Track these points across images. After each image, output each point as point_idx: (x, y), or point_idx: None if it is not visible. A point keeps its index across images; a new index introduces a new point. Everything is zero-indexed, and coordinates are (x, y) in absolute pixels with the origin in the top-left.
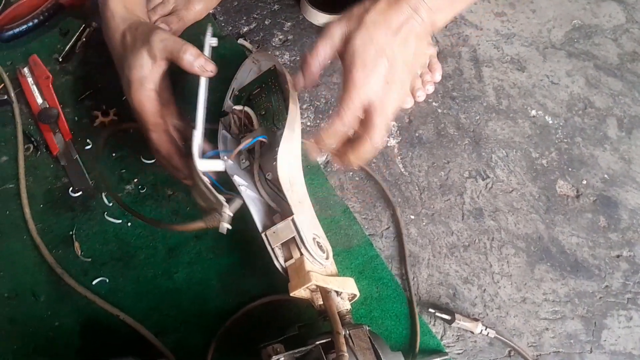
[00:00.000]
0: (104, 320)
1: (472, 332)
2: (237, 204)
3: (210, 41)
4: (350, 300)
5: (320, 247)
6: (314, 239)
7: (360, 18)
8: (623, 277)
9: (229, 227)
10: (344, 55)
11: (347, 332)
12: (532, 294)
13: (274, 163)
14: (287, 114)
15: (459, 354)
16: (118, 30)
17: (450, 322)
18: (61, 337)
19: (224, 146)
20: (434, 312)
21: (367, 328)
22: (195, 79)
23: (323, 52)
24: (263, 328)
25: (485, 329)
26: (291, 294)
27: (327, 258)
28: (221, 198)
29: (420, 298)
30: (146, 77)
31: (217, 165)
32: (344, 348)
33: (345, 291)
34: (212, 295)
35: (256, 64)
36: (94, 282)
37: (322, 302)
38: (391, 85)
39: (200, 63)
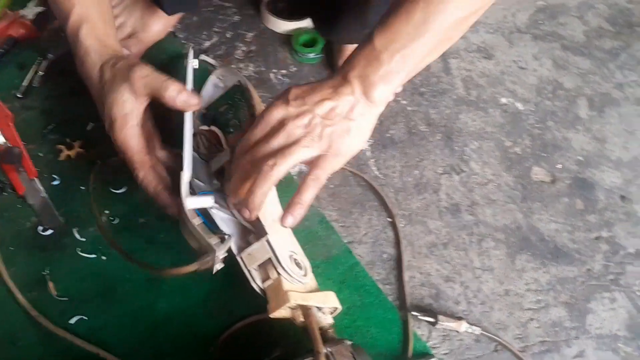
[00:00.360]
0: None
1: (457, 332)
2: (228, 242)
3: (193, 63)
4: (332, 314)
5: (297, 264)
6: (290, 256)
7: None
8: (604, 259)
9: (222, 266)
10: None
11: (329, 350)
12: (514, 286)
13: None
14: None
15: (446, 354)
16: (95, 67)
17: (434, 324)
18: None
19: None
20: (417, 315)
21: (349, 343)
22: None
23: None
24: (250, 349)
25: (470, 327)
26: (270, 316)
27: (305, 275)
28: (212, 241)
29: (403, 302)
30: (129, 114)
31: (206, 202)
32: None
33: (326, 306)
34: (197, 322)
35: (221, 79)
36: (72, 321)
37: (301, 320)
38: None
39: (183, 98)
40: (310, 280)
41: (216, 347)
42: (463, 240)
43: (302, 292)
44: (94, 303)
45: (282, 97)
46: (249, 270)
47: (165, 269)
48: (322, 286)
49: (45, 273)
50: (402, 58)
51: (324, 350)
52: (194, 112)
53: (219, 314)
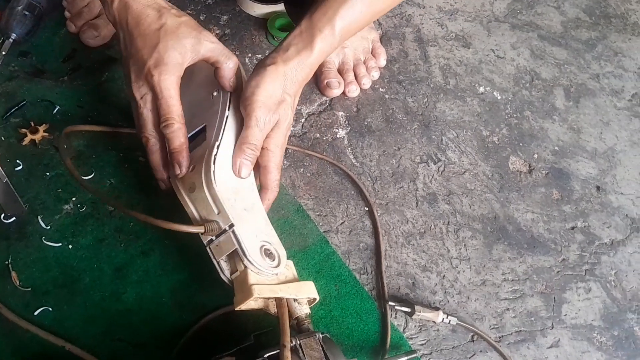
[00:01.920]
0: (51, 353)
1: (434, 322)
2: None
3: None
4: (311, 304)
5: (269, 255)
6: (262, 247)
7: (284, 107)
8: (579, 249)
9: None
10: (268, 136)
11: (298, 342)
12: (491, 276)
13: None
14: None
15: (422, 344)
16: (147, 5)
17: (411, 314)
18: None
19: None
20: (394, 306)
21: (321, 336)
22: None
23: (260, 139)
24: (221, 341)
25: (447, 317)
26: (236, 309)
27: (277, 266)
28: (228, 212)
29: (379, 291)
30: (180, 64)
31: (231, 178)
32: None
33: (300, 297)
34: (166, 312)
35: None
36: (36, 313)
37: (274, 311)
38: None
39: (233, 78)
40: (287, 270)
41: (190, 339)
42: (440, 230)
43: (273, 283)
44: (59, 293)
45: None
46: (217, 262)
47: (167, 222)
48: (299, 275)
49: (7, 262)
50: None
51: (290, 343)
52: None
53: (188, 305)
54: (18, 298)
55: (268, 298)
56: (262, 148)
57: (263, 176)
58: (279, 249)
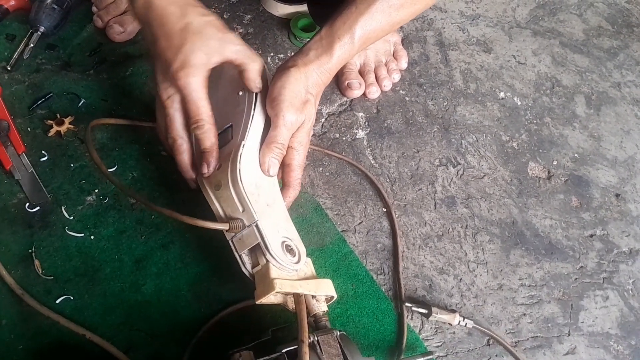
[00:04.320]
0: (71, 341)
1: (450, 324)
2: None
3: None
4: (328, 302)
5: (290, 250)
6: (283, 242)
7: (309, 109)
8: (597, 257)
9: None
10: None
11: (316, 338)
12: (508, 280)
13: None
14: (249, 113)
15: (437, 346)
16: (171, 3)
17: (427, 315)
18: None
19: None
20: (411, 307)
21: (338, 333)
22: None
23: (287, 138)
24: (238, 335)
25: (463, 320)
26: (257, 302)
27: (297, 262)
28: (252, 210)
29: (396, 292)
30: (205, 64)
31: (255, 175)
32: (307, 358)
33: (319, 294)
34: (184, 305)
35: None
36: (57, 301)
37: (293, 307)
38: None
39: (259, 79)
40: (305, 267)
41: (206, 332)
42: (458, 233)
43: (293, 279)
44: (80, 283)
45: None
46: (239, 255)
47: (192, 218)
48: (316, 274)
49: (31, 251)
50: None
51: (308, 339)
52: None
53: (206, 298)
54: (40, 286)
55: (288, 293)
56: (288, 147)
57: (286, 174)
58: (299, 246)
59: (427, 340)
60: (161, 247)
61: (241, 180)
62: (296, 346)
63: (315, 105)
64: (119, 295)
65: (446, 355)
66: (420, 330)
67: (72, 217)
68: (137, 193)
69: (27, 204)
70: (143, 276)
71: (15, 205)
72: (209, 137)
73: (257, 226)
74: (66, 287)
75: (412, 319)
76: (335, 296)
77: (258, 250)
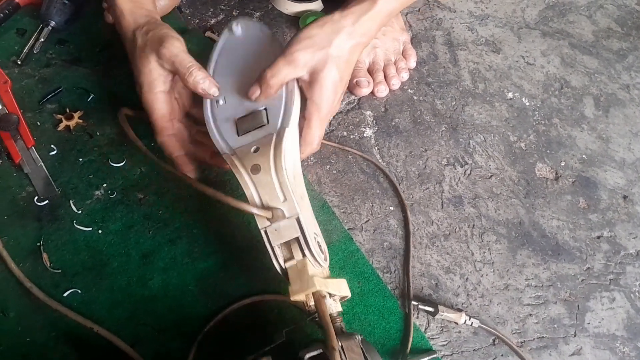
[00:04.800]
0: (78, 334)
1: (456, 323)
2: (296, 215)
3: (236, 30)
4: (341, 301)
5: (320, 247)
6: (314, 238)
7: (325, 53)
8: (604, 258)
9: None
10: (311, 85)
11: (340, 344)
12: (514, 280)
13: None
14: (291, 98)
15: (443, 345)
16: (129, 28)
17: (433, 314)
18: (34, 353)
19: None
20: (417, 305)
21: (360, 337)
22: None
23: (284, 76)
24: (244, 331)
25: (469, 319)
26: (292, 299)
27: (325, 259)
28: (295, 201)
29: (402, 291)
30: (155, 80)
31: (292, 165)
32: None
33: (341, 294)
34: (190, 300)
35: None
36: (65, 294)
37: (312, 304)
38: (339, 101)
39: (204, 86)
40: (327, 267)
41: (213, 327)
42: (465, 233)
43: (322, 277)
44: (88, 276)
45: None
46: (272, 247)
47: (236, 200)
48: None
49: (39, 244)
50: None
51: (337, 346)
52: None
53: (213, 293)
54: (48, 279)
55: (315, 292)
56: (307, 99)
57: (305, 130)
58: (323, 242)
59: (432, 339)
60: (168, 242)
61: (285, 169)
62: (319, 350)
63: (349, 59)
64: (126, 290)
65: (452, 354)
66: (426, 329)
67: (80, 211)
68: (140, 190)
69: (36, 198)
70: (150, 271)
71: (24, 198)
72: (171, 144)
73: (298, 219)
74: (74, 280)
75: (418, 317)
76: (349, 296)
77: (294, 244)
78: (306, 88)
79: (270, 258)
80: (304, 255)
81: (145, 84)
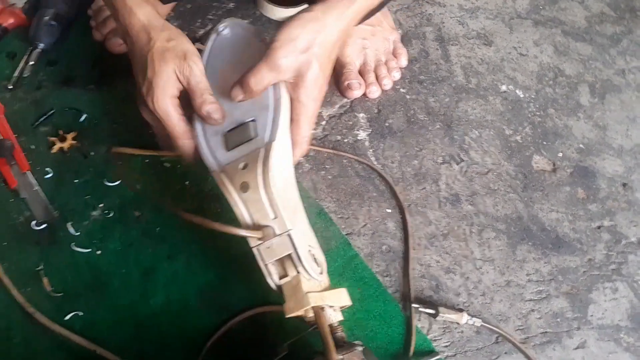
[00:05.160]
0: (83, 357)
1: (457, 323)
2: (288, 234)
3: (224, 31)
4: (341, 309)
5: (315, 260)
6: (309, 251)
7: (309, 54)
8: (606, 248)
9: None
10: (296, 86)
11: (341, 357)
12: (515, 277)
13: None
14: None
15: (446, 346)
16: (141, 27)
17: (434, 315)
18: None
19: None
20: (418, 308)
21: (361, 348)
22: None
23: (267, 81)
24: (247, 343)
25: (471, 319)
26: (287, 316)
27: (322, 272)
28: (285, 218)
29: (403, 294)
30: (169, 86)
31: (281, 177)
32: None
33: (341, 305)
34: (193, 314)
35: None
36: (67, 318)
37: (312, 315)
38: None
39: (209, 114)
40: (325, 278)
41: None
42: (463, 231)
43: (318, 291)
44: (90, 298)
45: None
46: (265, 265)
47: (223, 225)
48: None
49: (39, 268)
50: None
51: (338, 357)
52: None
53: (214, 306)
54: (50, 303)
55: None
56: (293, 100)
57: (294, 130)
58: (321, 254)
59: (435, 340)
60: (167, 258)
61: (274, 185)
62: None
63: (330, 55)
64: (129, 308)
65: (455, 355)
66: (428, 331)
67: (78, 233)
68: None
69: (34, 222)
70: (151, 288)
71: (22, 223)
72: (189, 149)
73: (289, 236)
74: (76, 302)
75: (420, 319)
76: (350, 304)
77: (287, 261)
78: (291, 89)
79: (264, 275)
80: (297, 271)
81: (160, 87)
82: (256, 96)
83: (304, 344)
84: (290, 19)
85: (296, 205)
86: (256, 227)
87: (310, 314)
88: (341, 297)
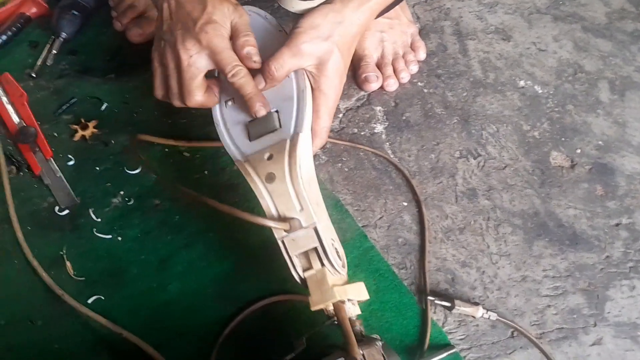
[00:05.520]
0: (104, 339)
1: (473, 317)
2: (313, 225)
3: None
4: (359, 303)
5: (337, 253)
6: (332, 245)
7: (331, 42)
8: (624, 246)
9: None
10: (318, 75)
11: (361, 352)
12: (531, 272)
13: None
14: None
15: (461, 339)
16: None
17: (450, 308)
18: None
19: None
20: (434, 300)
21: (380, 343)
22: None
23: (290, 67)
24: (264, 332)
25: (487, 312)
26: (313, 309)
27: (344, 266)
28: (311, 210)
29: (418, 286)
30: (225, 24)
31: (306, 171)
32: None
33: (360, 299)
34: (209, 303)
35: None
36: (89, 301)
37: (331, 308)
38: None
39: (249, 52)
40: (345, 271)
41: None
42: (480, 226)
43: (341, 284)
44: (109, 283)
45: None
46: (290, 257)
47: (252, 215)
48: None
49: (62, 253)
50: None
51: (359, 353)
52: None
53: (230, 296)
54: (73, 286)
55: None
56: (314, 89)
57: (314, 121)
58: (341, 247)
59: (450, 333)
60: (185, 246)
61: (301, 178)
62: (342, 358)
63: (350, 48)
64: (146, 295)
65: (470, 348)
66: (443, 324)
67: (99, 219)
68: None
69: (57, 208)
70: (168, 276)
71: (46, 209)
72: (249, 80)
73: (315, 229)
74: (96, 287)
75: (435, 312)
76: (368, 298)
77: (312, 254)
78: (313, 79)
79: (289, 268)
80: (322, 264)
81: (219, 23)
82: (278, 83)
83: (319, 335)
84: (311, 9)
85: (318, 199)
86: (282, 218)
87: (331, 307)
88: (360, 291)
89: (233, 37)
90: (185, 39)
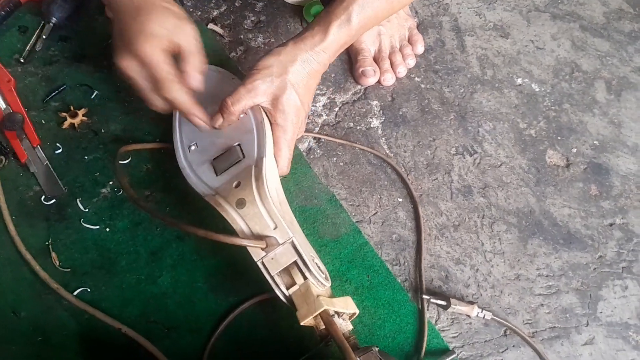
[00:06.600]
0: (99, 332)
1: (468, 316)
2: (290, 240)
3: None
4: (350, 319)
5: (318, 267)
6: (312, 259)
7: (283, 80)
8: (617, 246)
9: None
10: (274, 110)
11: (359, 358)
12: (525, 270)
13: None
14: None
15: (454, 337)
16: None
17: (445, 307)
18: (46, 353)
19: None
20: (429, 299)
21: (377, 350)
22: None
23: (245, 103)
24: (256, 329)
25: (482, 312)
26: (302, 324)
27: (327, 279)
28: (285, 226)
29: (412, 283)
30: (163, 37)
31: (274, 192)
32: None
33: (349, 311)
34: (200, 297)
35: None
36: (75, 293)
37: (323, 327)
38: (303, 123)
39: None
40: (329, 285)
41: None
42: (474, 223)
43: (326, 296)
44: (97, 275)
45: None
46: (272, 277)
47: (228, 236)
48: (330, 265)
49: (48, 243)
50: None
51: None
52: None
53: (222, 290)
54: (58, 278)
55: (320, 313)
56: (272, 123)
57: (275, 152)
58: (322, 263)
59: (443, 331)
60: (176, 239)
61: (270, 197)
62: None
63: (307, 85)
64: (136, 287)
65: (462, 346)
66: (436, 321)
67: (87, 210)
68: (169, 216)
69: (43, 197)
70: (159, 268)
71: (32, 198)
72: (181, 94)
73: (292, 243)
74: (83, 279)
75: (428, 309)
76: (358, 312)
77: (293, 269)
78: (270, 114)
79: (272, 289)
80: (305, 277)
81: (153, 35)
82: (234, 117)
83: (320, 356)
84: (267, 52)
85: (292, 219)
86: (258, 237)
87: (322, 326)
88: (348, 304)
89: (180, 57)
90: (121, 52)
